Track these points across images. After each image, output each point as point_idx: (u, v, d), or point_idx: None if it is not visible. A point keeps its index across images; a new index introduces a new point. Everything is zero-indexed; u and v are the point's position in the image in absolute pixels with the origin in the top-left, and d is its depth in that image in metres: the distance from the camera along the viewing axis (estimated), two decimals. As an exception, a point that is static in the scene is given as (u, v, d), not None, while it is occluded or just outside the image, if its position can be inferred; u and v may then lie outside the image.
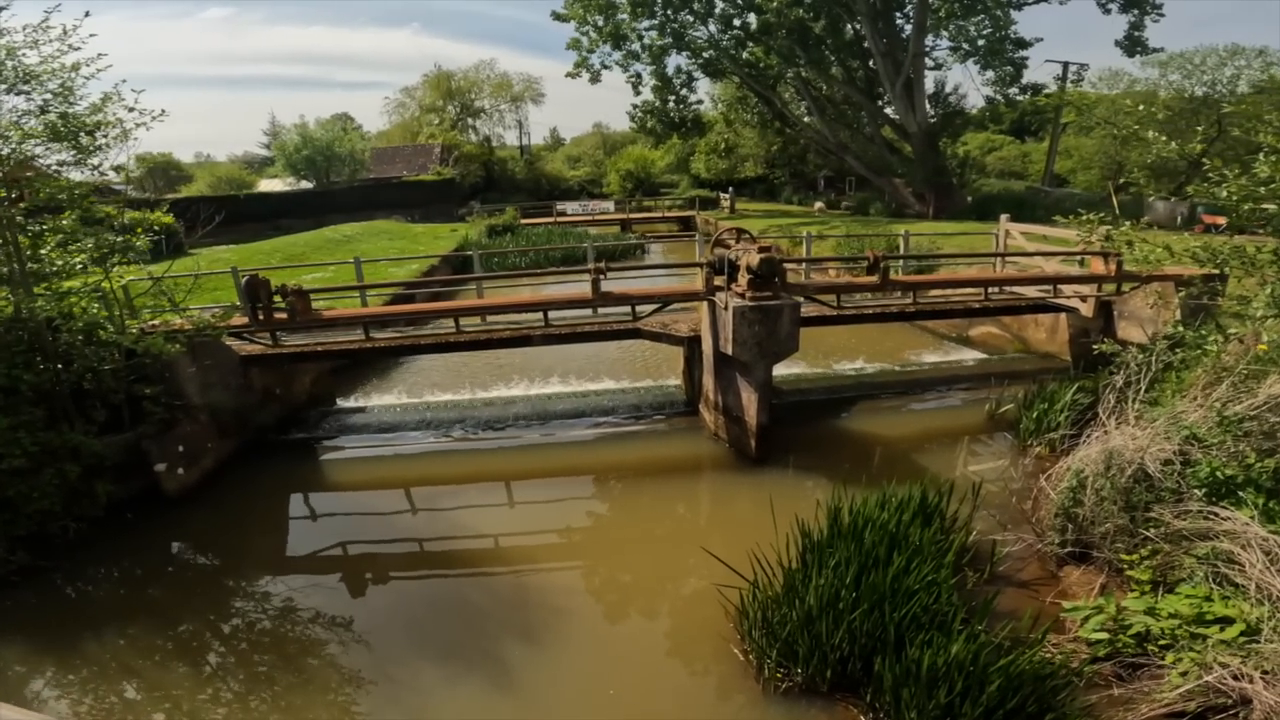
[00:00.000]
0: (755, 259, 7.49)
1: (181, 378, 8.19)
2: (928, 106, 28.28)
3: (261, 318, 8.62)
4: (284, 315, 8.62)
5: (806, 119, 33.58)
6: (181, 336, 7.88)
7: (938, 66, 28.94)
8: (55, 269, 7.42)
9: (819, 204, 34.57)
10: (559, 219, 34.68)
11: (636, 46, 30.11)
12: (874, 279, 9.24)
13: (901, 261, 13.83)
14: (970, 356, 12.48)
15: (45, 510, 6.61)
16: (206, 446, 8.32)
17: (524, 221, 32.82)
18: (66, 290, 7.54)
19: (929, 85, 29.28)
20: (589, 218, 36.27)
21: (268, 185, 40.15)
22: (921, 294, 10.37)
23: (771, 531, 5.45)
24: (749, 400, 8.00)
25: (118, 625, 5.83)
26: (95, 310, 7.70)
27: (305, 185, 37.84)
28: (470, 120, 54.18)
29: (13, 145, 7.15)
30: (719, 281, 8.18)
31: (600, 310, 9.38)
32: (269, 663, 5.29)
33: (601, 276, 8.65)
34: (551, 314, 9.37)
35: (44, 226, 7.41)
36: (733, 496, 7.82)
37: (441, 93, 52.61)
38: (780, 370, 9.48)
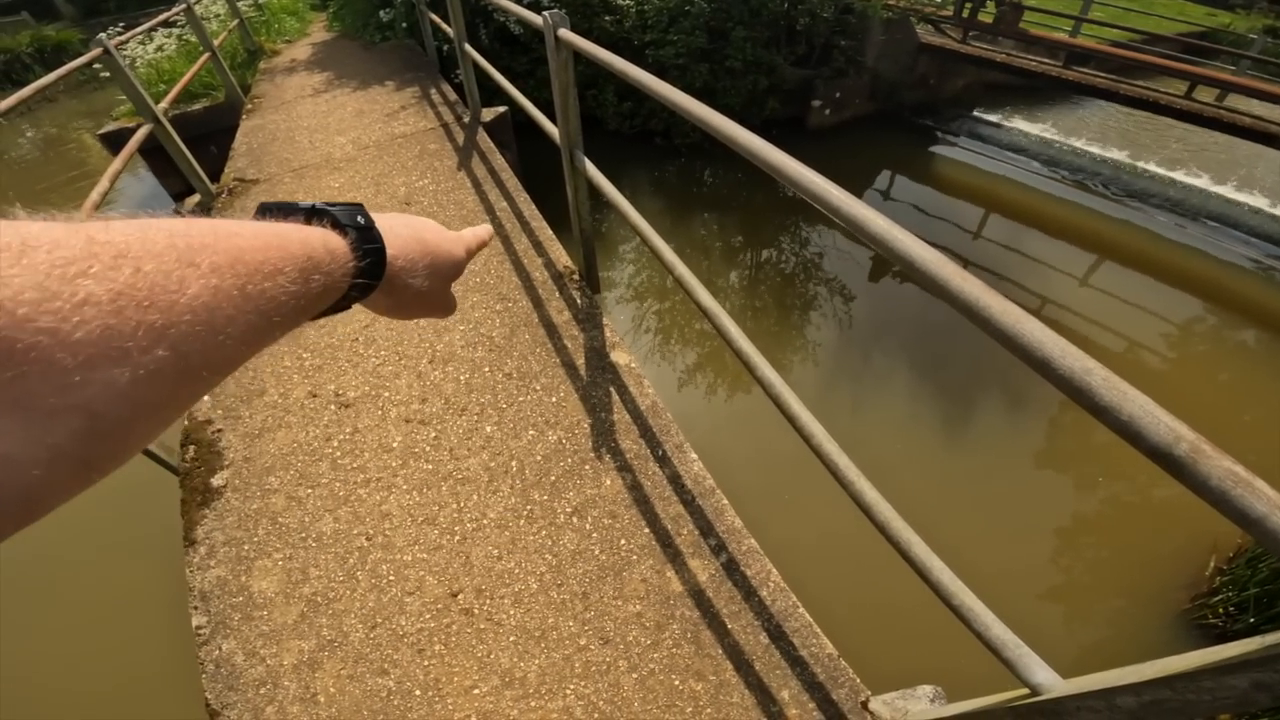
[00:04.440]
0: None
1: (868, 42, 9.18)
2: None
3: (966, 17, 9.25)
4: (988, 20, 9.15)
5: None
6: (894, 10, 9.02)
7: None
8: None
9: None
10: None
11: None
12: None
13: None
14: None
15: (729, 106, 8.55)
16: (854, 101, 9.53)
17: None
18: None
19: None
20: None
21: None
22: None
23: None
24: None
25: (694, 218, 7.67)
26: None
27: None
28: None
29: None
30: None
31: None
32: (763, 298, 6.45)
33: None
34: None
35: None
36: None
37: None
38: None
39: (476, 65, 4.23)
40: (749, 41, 8.32)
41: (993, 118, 10.24)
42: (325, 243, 0.41)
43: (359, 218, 0.47)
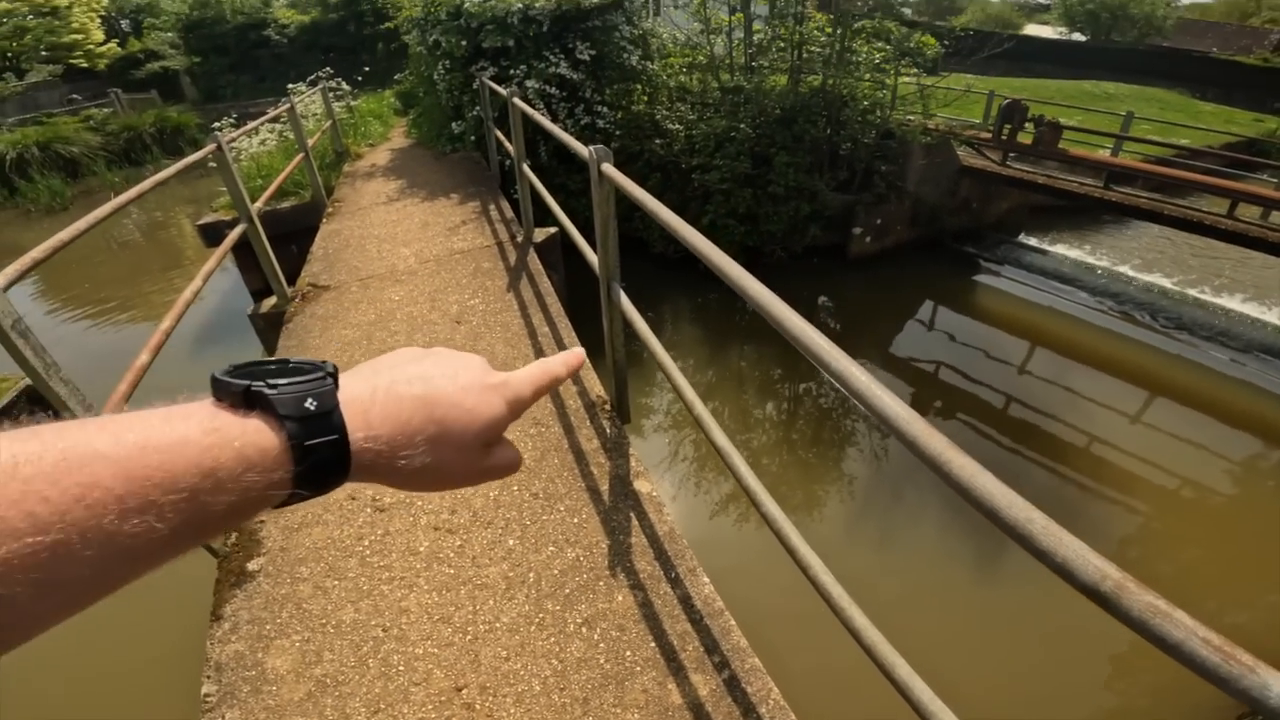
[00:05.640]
0: None
1: (909, 166, 9.54)
2: None
3: (1004, 138, 9.48)
4: (1027, 142, 9.33)
5: None
6: (933, 134, 9.32)
7: None
8: (858, 60, 9.20)
9: None
10: None
11: None
12: None
13: None
14: None
15: (772, 232, 8.88)
16: (896, 228, 9.82)
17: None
18: (856, 79, 9.31)
19: None
20: None
21: (1034, 30, 38.02)
22: None
23: None
24: None
25: (733, 347, 7.78)
26: (880, 95, 9.39)
27: (1077, 37, 35.36)
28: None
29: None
30: None
31: None
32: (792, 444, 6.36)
33: None
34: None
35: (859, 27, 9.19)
36: None
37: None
38: None
39: (532, 186, 4.62)
40: (791, 167, 8.70)
41: (1036, 243, 10.36)
42: (243, 450, 0.35)
43: (309, 402, 0.38)
